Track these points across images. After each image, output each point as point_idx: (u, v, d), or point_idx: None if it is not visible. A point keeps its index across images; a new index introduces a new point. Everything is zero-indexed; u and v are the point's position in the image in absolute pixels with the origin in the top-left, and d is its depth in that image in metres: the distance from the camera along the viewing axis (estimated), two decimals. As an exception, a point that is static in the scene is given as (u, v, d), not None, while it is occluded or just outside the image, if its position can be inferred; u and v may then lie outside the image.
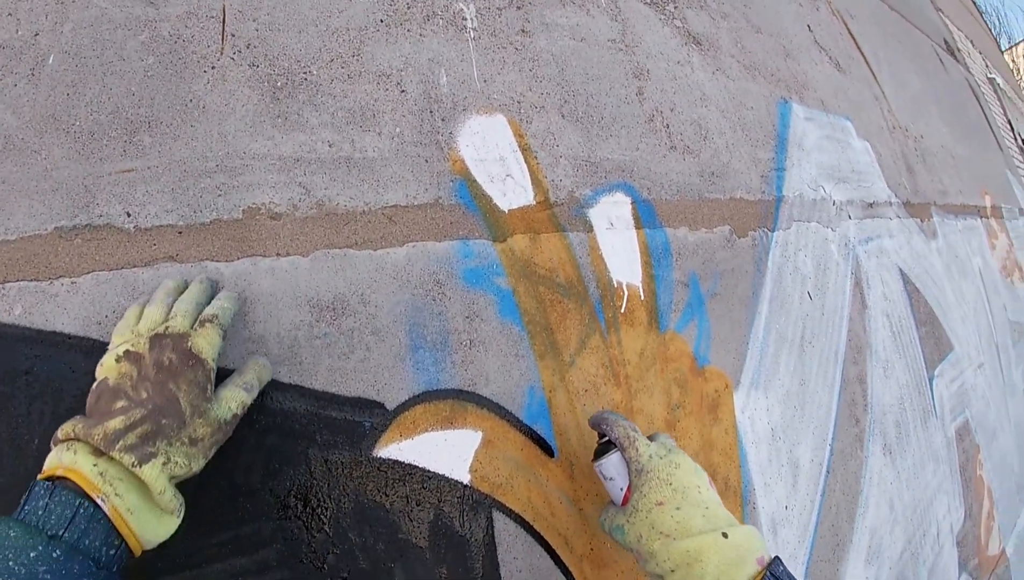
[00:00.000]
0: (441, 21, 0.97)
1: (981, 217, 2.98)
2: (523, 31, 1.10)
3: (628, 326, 0.99)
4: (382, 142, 0.82)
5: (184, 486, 0.54)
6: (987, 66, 5.61)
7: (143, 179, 0.65)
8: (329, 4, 0.84)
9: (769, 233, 1.31)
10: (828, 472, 1.31)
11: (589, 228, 0.99)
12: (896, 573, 1.53)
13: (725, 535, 0.65)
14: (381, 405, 0.72)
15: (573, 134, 1.04)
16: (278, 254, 0.70)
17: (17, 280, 0.59)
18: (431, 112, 0.89)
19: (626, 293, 1.00)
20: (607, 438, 0.78)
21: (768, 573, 0.62)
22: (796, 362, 1.29)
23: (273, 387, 0.66)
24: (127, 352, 0.54)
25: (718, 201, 1.22)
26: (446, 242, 0.83)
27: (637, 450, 0.73)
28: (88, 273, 0.61)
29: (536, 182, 0.95)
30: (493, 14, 1.07)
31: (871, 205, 1.76)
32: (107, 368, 0.54)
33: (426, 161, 0.85)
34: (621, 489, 0.75)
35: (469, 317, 0.82)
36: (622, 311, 0.98)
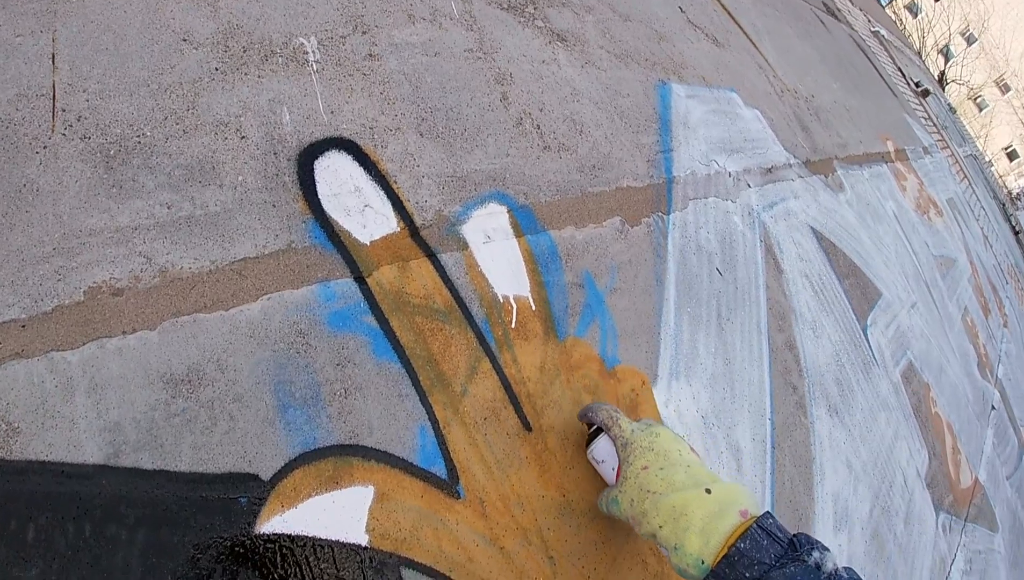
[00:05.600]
0: (280, 59, 0.93)
1: (886, 162, 3.08)
2: (370, 55, 1.05)
3: (522, 341, 0.92)
4: (224, 194, 0.78)
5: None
6: (869, 21, 5.94)
7: (-20, 275, 0.60)
8: (160, 60, 0.80)
9: (664, 216, 1.27)
10: (774, 447, 1.27)
11: (463, 245, 0.93)
12: (870, 532, 1.50)
13: (708, 491, 0.72)
14: (255, 476, 0.67)
15: (434, 151, 0.99)
16: (124, 332, 0.65)
17: None
18: (275, 154, 0.84)
19: (515, 306, 0.94)
20: (594, 426, 0.87)
21: (756, 525, 0.68)
22: (716, 342, 1.25)
23: (137, 476, 0.61)
24: None
25: (603, 193, 1.17)
26: (304, 288, 0.78)
27: (620, 427, 0.82)
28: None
29: (398, 208, 0.90)
30: (336, 43, 1.02)
31: (770, 170, 1.77)
32: None
33: (274, 206, 0.80)
34: (613, 468, 0.83)
35: (340, 363, 0.77)
36: (512, 326, 0.92)
